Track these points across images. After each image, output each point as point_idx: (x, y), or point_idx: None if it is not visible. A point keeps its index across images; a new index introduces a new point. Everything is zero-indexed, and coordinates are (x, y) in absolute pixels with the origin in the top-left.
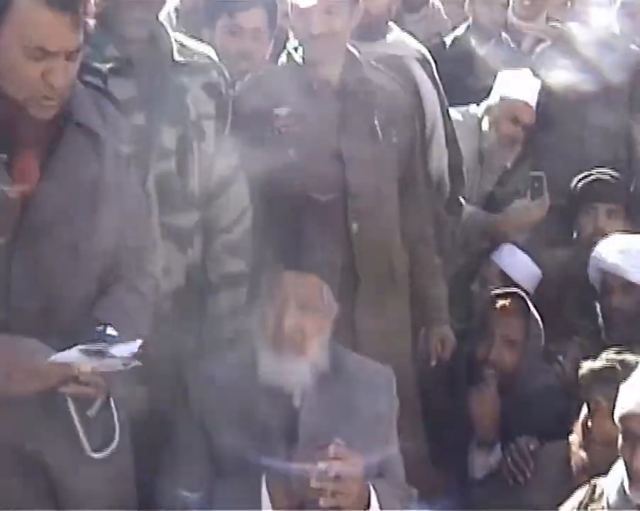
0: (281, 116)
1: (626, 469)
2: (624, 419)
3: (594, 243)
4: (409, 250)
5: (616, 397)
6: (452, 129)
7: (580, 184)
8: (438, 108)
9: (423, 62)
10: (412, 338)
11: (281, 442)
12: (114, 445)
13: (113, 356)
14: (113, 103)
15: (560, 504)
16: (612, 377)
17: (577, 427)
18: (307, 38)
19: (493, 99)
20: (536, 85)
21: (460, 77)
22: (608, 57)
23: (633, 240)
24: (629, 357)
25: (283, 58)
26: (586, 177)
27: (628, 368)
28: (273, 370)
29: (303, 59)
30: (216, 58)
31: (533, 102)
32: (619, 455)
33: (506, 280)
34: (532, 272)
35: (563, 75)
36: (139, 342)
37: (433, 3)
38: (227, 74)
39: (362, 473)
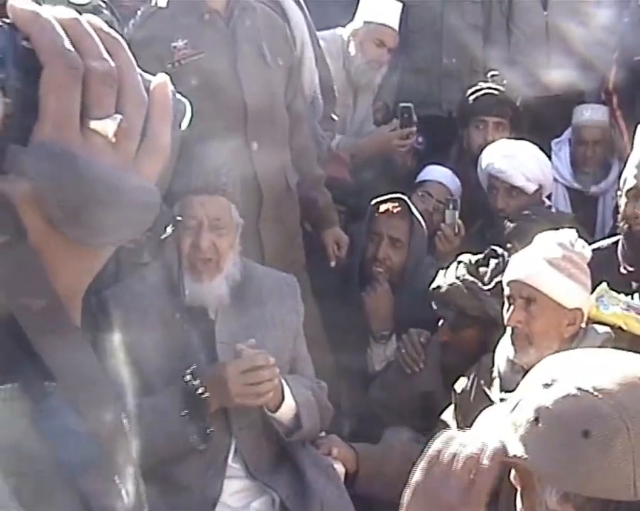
0: (179, 47)
1: (510, 336)
2: (506, 284)
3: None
4: (295, 163)
5: None
6: (320, 50)
7: (471, 98)
8: (306, 30)
9: None
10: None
11: (201, 354)
12: None
13: None
14: None
15: (453, 384)
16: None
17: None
18: None
19: (358, 22)
20: (398, 8)
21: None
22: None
23: (518, 146)
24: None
25: None
26: (477, 91)
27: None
28: (194, 290)
29: None
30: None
31: (396, 25)
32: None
33: None
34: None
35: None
36: None
37: None
38: (118, 14)
39: (276, 370)
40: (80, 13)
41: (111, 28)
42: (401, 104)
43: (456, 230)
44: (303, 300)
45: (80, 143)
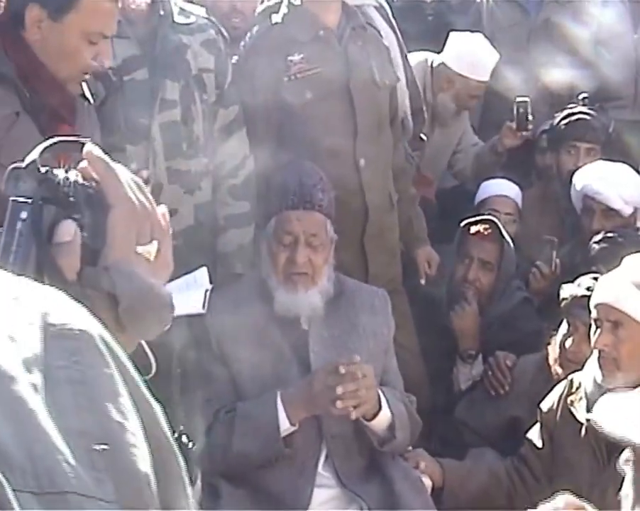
0: (295, 61)
1: (598, 359)
2: (594, 307)
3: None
4: (392, 182)
5: None
6: (411, 71)
7: (563, 122)
8: (398, 52)
9: (379, 8)
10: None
11: (294, 363)
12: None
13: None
14: None
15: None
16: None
17: (555, 343)
18: None
19: (450, 61)
20: (494, 59)
21: (411, 24)
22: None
23: (617, 169)
24: None
25: (283, 8)
26: (569, 115)
27: None
28: (288, 303)
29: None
30: (214, 19)
31: (487, 77)
32: None
33: None
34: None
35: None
36: (204, 270)
37: None
38: (225, 33)
39: (375, 382)
40: (185, 32)
41: (215, 45)
42: (518, 98)
43: (553, 268)
44: (402, 316)
45: (135, 263)
